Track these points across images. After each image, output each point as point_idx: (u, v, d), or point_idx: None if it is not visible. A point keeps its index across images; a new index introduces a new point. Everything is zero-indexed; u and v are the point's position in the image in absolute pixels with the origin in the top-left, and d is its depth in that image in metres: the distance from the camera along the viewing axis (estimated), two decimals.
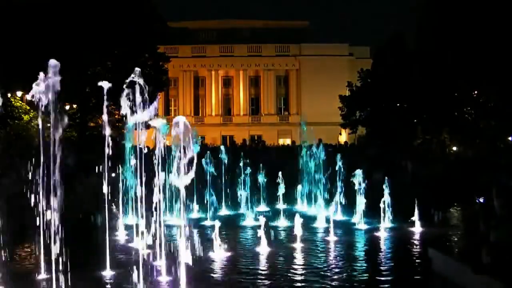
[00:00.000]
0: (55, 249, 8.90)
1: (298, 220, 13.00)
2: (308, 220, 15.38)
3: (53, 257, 8.86)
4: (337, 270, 10.67)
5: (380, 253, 12.38)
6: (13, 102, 35.07)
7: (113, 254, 10.64)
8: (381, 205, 15.06)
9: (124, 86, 9.76)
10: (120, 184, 14.15)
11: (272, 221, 15.77)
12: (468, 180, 19.72)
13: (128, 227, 14.24)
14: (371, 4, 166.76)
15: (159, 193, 9.60)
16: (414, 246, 13.18)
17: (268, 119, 71.39)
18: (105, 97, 10.16)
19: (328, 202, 17.57)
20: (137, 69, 9.92)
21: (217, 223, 11.89)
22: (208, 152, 19.03)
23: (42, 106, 9.11)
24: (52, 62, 8.96)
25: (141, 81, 9.78)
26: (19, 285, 9.33)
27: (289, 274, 10.25)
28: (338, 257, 11.98)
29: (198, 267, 9.56)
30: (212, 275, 10.28)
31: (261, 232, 12.29)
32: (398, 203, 15.59)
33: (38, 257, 10.07)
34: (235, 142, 42.41)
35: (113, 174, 17.71)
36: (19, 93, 35.28)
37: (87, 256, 10.78)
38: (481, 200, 12.95)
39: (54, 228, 8.98)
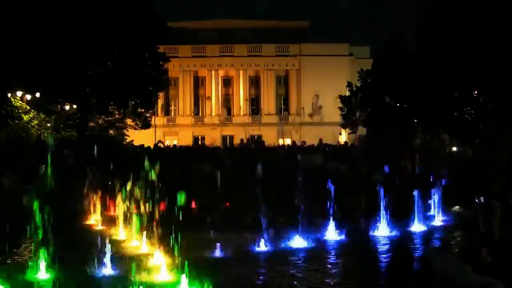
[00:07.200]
0: None
1: None
2: None
3: None
4: (333, 269, 10.64)
5: (379, 253, 12.37)
6: (13, 102, 35.09)
7: None
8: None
9: None
10: None
11: None
12: (468, 180, 19.69)
13: None
14: (371, 4, 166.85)
15: None
16: (414, 246, 13.16)
17: (268, 119, 71.36)
18: None
19: None
20: None
21: None
22: None
23: None
24: None
25: None
26: None
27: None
28: (335, 257, 11.94)
29: None
30: None
31: None
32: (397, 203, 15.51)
33: None
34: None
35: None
36: (19, 93, 35.29)
37: None
38: (481, 200, 12.98)
39: None
